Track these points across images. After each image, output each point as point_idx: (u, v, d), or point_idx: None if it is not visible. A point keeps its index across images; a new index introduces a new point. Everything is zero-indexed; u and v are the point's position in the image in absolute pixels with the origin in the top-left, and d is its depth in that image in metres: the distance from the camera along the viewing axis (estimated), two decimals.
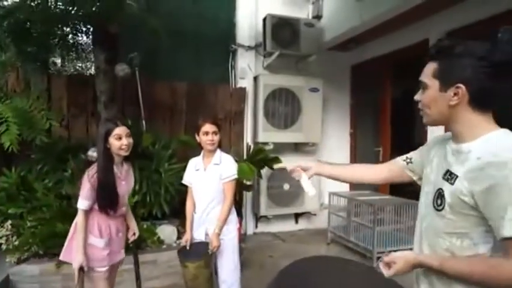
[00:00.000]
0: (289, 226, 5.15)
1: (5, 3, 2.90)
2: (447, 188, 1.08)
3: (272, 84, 4.67)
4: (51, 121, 3.04)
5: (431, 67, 1.11)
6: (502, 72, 1.01)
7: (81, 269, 2.01)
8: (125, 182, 2.23)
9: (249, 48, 4.87)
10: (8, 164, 3.37)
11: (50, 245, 2.92)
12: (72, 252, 2.09)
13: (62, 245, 2.94)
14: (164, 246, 3.42)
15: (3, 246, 3.00)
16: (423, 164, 1.28)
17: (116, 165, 2.16)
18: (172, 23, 4.26)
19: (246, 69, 4.86)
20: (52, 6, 3.04)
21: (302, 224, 5.22)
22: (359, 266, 1.11)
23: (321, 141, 5.06)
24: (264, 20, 4.62)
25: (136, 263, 2.46)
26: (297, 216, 5.18)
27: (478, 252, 1.02)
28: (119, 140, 2.08)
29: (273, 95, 4.67)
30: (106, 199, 2.08)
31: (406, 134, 4.59)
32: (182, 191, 2.74)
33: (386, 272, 1.10)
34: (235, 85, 4.89)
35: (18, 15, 2.98)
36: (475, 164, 1.01)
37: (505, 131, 1.06)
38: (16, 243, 2.94)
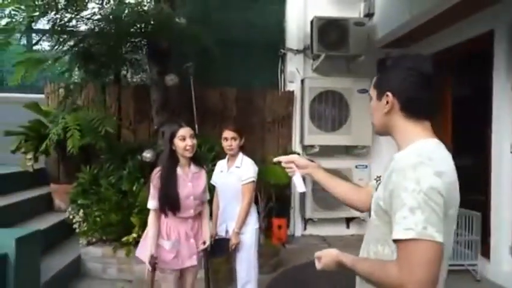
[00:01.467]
0: (339, 230, 5.03)
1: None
2: (374, 196, 1.13)
3: (318, 86, 4.65)
4: (108, 128, 3.54)
5: (374, 79, 1.19)
6: (428, 81, 1.05)
7: (152, 267, 2.05)
8: (192, 184, 2.22)
9: (298, 51, 4.91)
10: (85, 163, 4.05)
11: (108, 232, 3.46)
12: (144, 250, 2.16)
13: (117, 233, 3.47)
14: None
15: (77, 230, 3.64)
16: None
17: (181, 166, 2.19)
18: (222, 31, 4.53)
19: (295, 72, 4.91)
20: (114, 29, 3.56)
21: (353, 229, 5.05)
22: None
23: (372, 144, 4.83)
24: (312, 22, 4.63)
25: (206, 268, 2.35)
26: (348, 220, 5.04)
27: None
28: (183, 140, 2.12)
29: (319, 97, 4.64)
30: (163, 199, 2.12)
31: (469, 133, 4.05)
32: None
33: (317, 265, 1.18)
34: (284, 89, 4.98)
35: (88, 41, 3.58)
36: (390, 170, 1.03)
37: (433, 140, 1.05)
38: (85, 228, 3.54)
